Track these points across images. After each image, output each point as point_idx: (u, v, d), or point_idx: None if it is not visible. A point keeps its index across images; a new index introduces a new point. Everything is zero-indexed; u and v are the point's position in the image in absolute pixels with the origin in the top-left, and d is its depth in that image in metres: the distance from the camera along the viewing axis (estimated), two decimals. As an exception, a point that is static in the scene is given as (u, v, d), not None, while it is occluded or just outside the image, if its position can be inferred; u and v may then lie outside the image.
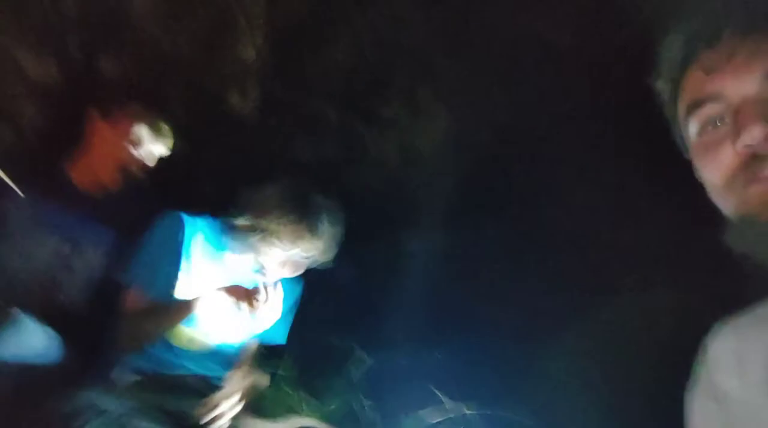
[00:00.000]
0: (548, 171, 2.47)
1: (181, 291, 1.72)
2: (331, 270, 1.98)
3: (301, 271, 1.85)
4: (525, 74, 2.53)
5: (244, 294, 1.67)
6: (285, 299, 1.86)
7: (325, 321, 1.81)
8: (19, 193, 1.65)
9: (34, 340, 1.36)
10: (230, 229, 1.78)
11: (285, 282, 1.85)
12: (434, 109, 2.81)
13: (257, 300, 1.66)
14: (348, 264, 2.07)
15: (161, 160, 2.00)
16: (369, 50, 2.73)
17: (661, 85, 0.89)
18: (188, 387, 1.66)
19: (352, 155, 2.75)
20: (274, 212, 1.71)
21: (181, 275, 1.73)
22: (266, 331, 1.89)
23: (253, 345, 1.95)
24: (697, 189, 0.88)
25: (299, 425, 1.61)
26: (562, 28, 2.43)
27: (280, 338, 2.01)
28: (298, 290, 2.01)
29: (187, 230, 1.79)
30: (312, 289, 2.04)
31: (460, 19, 2.68)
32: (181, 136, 2.39)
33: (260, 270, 1.79)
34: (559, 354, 1.99)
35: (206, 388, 1.68)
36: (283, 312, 1.87)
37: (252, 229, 1.72)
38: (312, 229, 1.72)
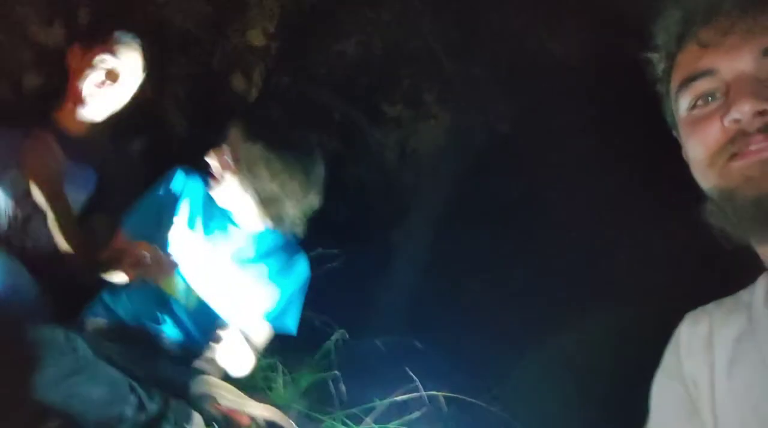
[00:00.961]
0: (546, 178, 2.48)
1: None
2: (320, 255, 1.98)
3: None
4: (529, 81, 2.54)
5: (121, 256, 1.52)
6: (290, 281, 1.76)
7: (308, 301, 1.79)
8: None
9: (6, 275, 1.35)
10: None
11: (290, 263, 1.77)
12: (437, 111, 2.82)
13: (134, 262, 1.50)
14: (337, 249, 2.07)
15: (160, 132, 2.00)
16: (377, 47, 2.75)
17: (656, 60, 0.89)
18: (160, 345, 1.64)
19: (353, 151, 2.75)
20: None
21: (169, 230, 1.70)
22: (271, 318, 1.71)
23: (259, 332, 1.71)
24: (693, 196, 0.87)
25: (267, 413, 1.52)
26: (567, 37, 2.45)
27: (289, 326, 1.75)
28: (304, 272, 1.81)
29: (181, 186, 1.75)
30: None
31: (468, 24, 2.71)
32: (181, 113, 2.41)
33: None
34: (537, 352, 1.98)
35: (181, 352, 1.65)
36: (288, 298, 1.74)
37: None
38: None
